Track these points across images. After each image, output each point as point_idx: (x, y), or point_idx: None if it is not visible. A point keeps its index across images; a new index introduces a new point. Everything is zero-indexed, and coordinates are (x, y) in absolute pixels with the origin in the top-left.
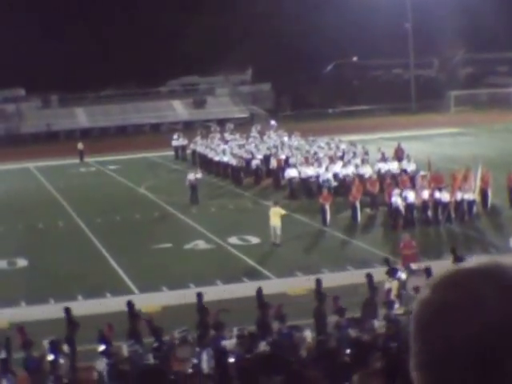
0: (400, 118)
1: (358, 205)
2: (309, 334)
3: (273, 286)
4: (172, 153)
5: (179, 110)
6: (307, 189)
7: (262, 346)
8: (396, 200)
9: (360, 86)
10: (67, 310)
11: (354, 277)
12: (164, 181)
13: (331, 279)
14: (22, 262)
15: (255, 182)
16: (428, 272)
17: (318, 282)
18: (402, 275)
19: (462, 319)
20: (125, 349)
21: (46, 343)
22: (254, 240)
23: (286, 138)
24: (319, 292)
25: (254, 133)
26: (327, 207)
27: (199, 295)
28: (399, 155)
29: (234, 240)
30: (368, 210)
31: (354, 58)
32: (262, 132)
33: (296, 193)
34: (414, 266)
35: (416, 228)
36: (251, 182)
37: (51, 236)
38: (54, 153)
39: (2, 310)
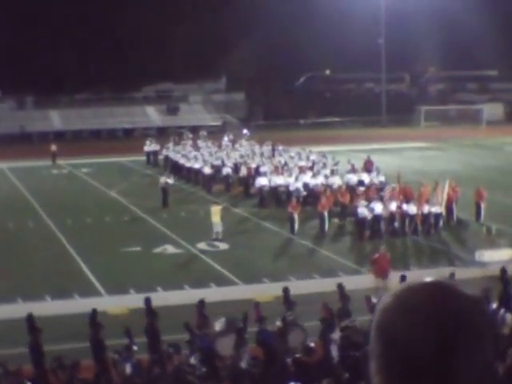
0: (370, 131)
1: (326, 215)
2: (509, 316)
3: (240, 292)
4: (144, 158)
5: (153, 116)
6: (276, 197)
7: None
8: (362, 211)
9: (332, 99)
10: (286, 290)
11: (320, 285)
12: (135, 185)
13: (297, 287)
14: None
15: (225, 190)
16: None
17: (504, 270)
18: None
19: (421, 320)
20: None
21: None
22: (223, 246)
23: (257, 147)
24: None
25: (226, 141)
26: (295, 216)
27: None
28: (368, 167)
29: (202, 245)
30: (336, 220)
31: (327, 72)
32: (234, 140)
33: (266, 201)
34: None
35: (383, 239)
36: (221, 189)
37: (21, 236)
38: (27, 154)
39: None
